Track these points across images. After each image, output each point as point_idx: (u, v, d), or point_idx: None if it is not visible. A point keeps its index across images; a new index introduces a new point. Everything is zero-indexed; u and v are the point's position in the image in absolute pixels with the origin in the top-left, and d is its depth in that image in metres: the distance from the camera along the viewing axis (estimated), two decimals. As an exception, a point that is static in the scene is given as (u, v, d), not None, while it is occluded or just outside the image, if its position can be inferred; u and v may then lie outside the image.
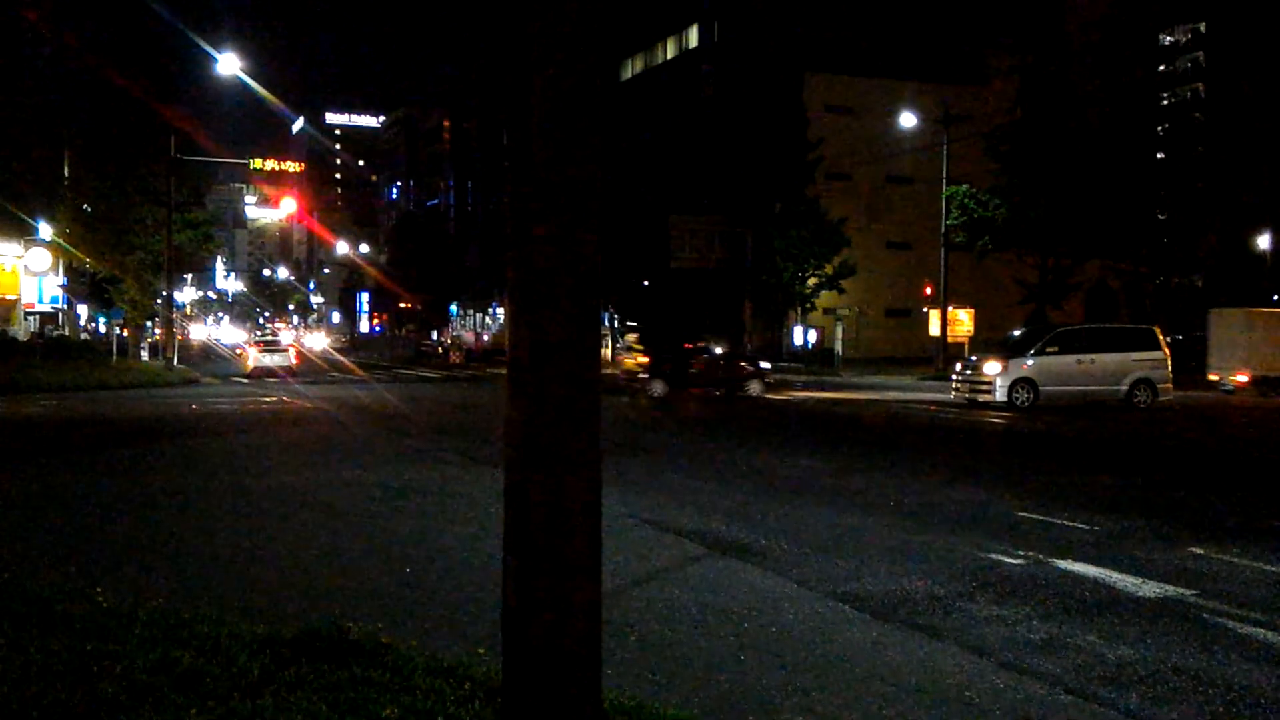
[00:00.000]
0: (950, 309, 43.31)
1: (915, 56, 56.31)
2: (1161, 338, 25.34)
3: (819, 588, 7.20)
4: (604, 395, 3.93)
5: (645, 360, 31.10)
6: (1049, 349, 24.81)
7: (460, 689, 4.52)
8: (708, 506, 10.40)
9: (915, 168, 50.82)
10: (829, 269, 49.46)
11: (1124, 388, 24.32)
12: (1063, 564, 7.93)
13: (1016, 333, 29.13)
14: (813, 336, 52.92)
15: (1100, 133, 40.10)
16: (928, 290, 47.04)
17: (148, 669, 4.65)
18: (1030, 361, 24.46)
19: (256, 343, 49.69)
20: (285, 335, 70.20)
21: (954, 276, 43.42)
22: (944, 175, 42.81)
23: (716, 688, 5.22)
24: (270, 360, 40.97)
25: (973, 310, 44.78)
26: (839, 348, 46.94)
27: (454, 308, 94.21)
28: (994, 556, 8.18)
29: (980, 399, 24.69)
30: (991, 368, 24.71)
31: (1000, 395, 24.17)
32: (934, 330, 44.07)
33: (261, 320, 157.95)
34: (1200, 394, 29.25)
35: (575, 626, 3.51)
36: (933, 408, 25.15)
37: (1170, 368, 24.75)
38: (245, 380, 36.06)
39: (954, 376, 26.76)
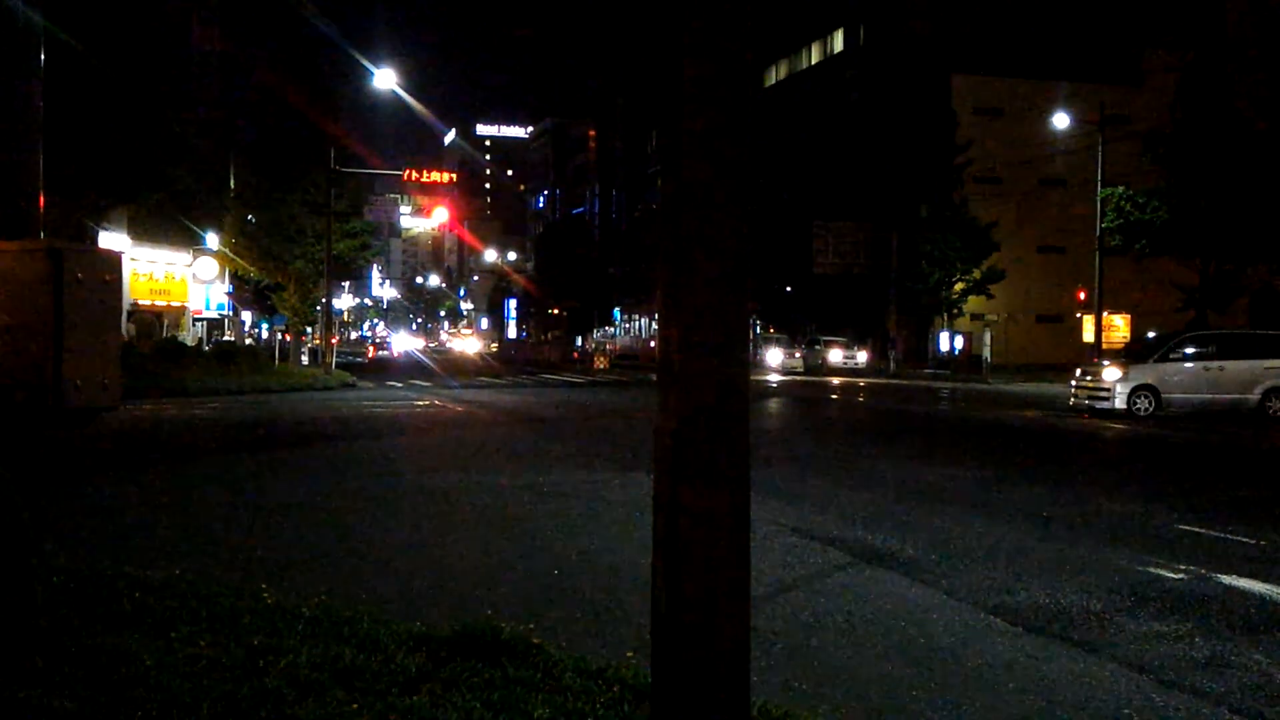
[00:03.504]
0: (1105, 314, 41.98)
1: (1066, 56, 54.76)
2: None
3: (968, 599, 7.07)
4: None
5: None
6: (1173, 355, 23.88)
7: (609, 691, 4.58)
8: (851, 514, 10.30)
9: (1068, 170, 49.38)
10: (977, 273, 48.44)
11: (1255, 396, 23.10)
12: (1226, 579, 7.64)
13: (1153, 337, 28.02)
14: (959, 342, 51.84)
15: (1265, 131, 38.35)
16: (1081, 295, 45.73)
17: (310, 664, 4.83)
18: (1152, 367, 23.58)
19: (375, 344, 72.81)
20: (458, 341, 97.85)
21: (1109, 281, 42.08)
22: (1099, 177, 41.55)
23: (863, 698, 5.18)
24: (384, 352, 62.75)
25: (1129, 316, 43.34)
26: (987, 354, 45.90)
27: (616, 312, 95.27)
28: (1153, 570, 7.91)
29: (1099, 406, 23.80)
30: (1111, 374, 23.88)
31: (1119, 403, 23.33)
32: (1088, 336, 42.79)
33: (414, 326, 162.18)
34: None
35: (724, 633, 3.53)
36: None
37: None
38: (398, 385, 37.06)
39: (1073, 383, 25.77)
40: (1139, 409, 23.21)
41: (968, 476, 13.47)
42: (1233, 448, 18.02)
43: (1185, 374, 23.57)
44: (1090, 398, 24.25)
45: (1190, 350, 24.09)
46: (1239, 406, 23.23)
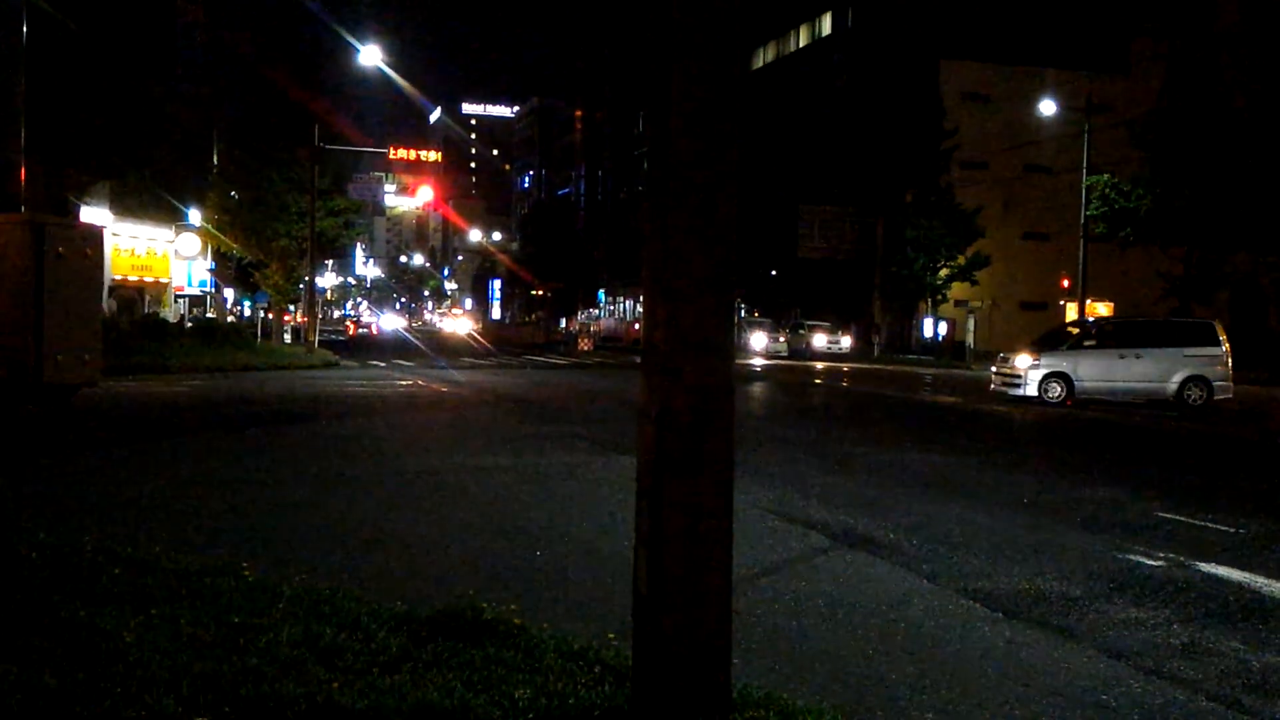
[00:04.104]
0: (1089, 302, 42.15)
1: (1054, 43, 54.77)
2: (1223, 333, 23.85)
3: (949, 584, 7.10)
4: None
5: None
6: (1086, 342, 24.02)
7: (591, 672, 4.59)
8: (833, 498, 10.33)
9: (1054, 157, 49.46)
10: (961, 260, 48.55)
11: (1174, 384, 23.10)
12: (1205, 567, 7.69)
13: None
14: (944, 329, 51.98)
15: (1251, 121, 38.48)
16: (1065, 283, 45.92)
17: (291, 643, 4.83)
18: (1065, 355, 23.66)
19: (352, 320, 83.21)
20: (449, 321, 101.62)
21: (1093, 269, 42.25)
22: (1084, 164, 41.65)
23: (844, 682, 5.20)
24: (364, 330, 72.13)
25: (1112, 304, 43.54)
26: (970, 340, 46.04)
27: (601, 294, 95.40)
28: (1132, 557, 7.96)
29: (1012, 393, 23.87)
30: (1023, 360, 23.94)
31: (1031, 389, 23.37)
32: (1071, 324, 42.94)
33: (398, 305, 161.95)
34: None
35: (705, 616, 3.54)
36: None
37: (1230, 364, 23.31)
38: (381, 365, 36.99)
39: (994, 369, 25.85)
40: (1050, 395, 23.24)
41: (946, 462, 13.52)
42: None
43: (1099, 362, 23.54)
44: (1005, 384, 24.30)
45: (1105, 338, 24.18)
46: (1158, 394, 23.29)
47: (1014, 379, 23.84)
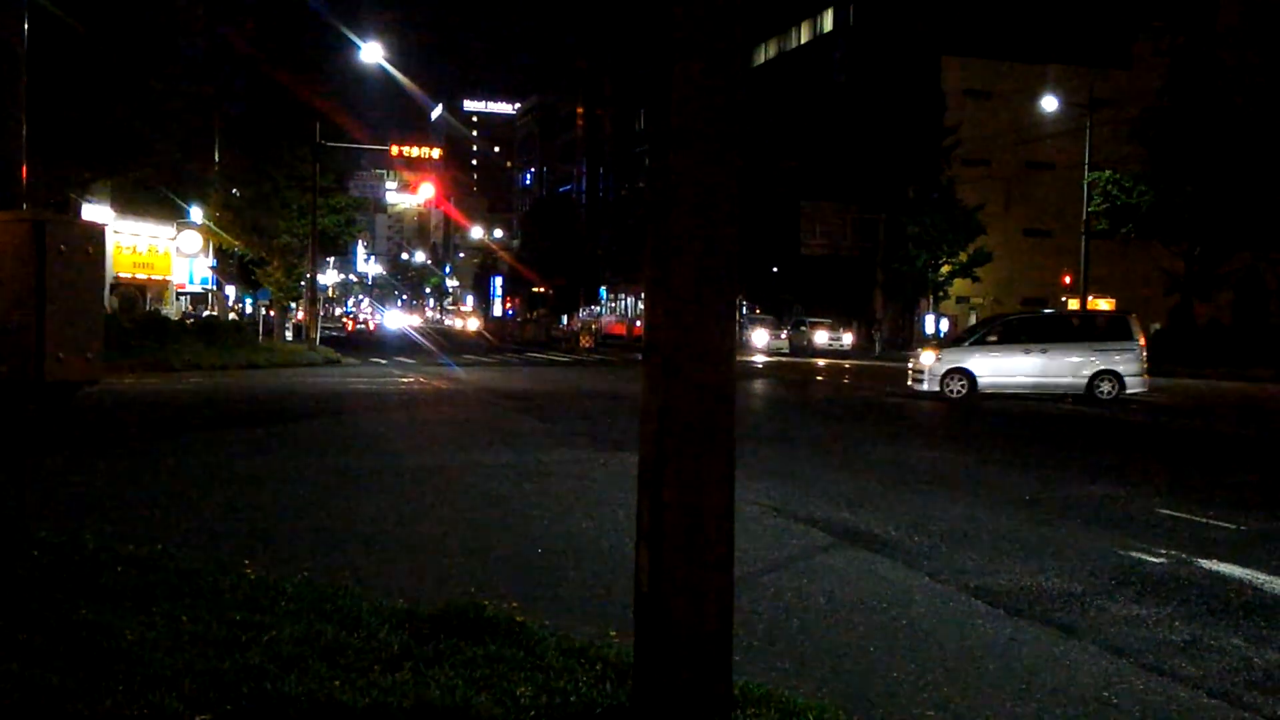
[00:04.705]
0: (1090, 298, 42.14)
1: (1057, 39, 54.81)
2: (1137, 326, 23.79)
3: (951, 581, 7.10)
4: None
5: None
6: (989, 338, 24.06)
7: (592, 669, 4.59)
8: (834, 495, 10.33)
9: (1056, 153, 49.49)
10: (963, 256, 48.58)
11: (1083, 379, 22.98)
12: (1207, 564, 7.69)
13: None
14: (945, 325, 51.99)
15: (1253, 117, 38.46)
16: (1067, 279, 45.96)
17: (293, 640, 4.83)
18: (967, 351, 23.75)
19: (349, 316, 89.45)
20: (457, 319, 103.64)
21: (1095, 265, 42.25)
22: (1086, 160, 41.62)
23: (845, 679, 5.20)
24: (360, 324, 72.29)
25: (1114, 300, 43.53)
26: (973, 337, 46.02)
27: (603, 291, 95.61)
28: (1133, 554, 7.96)
29: (917, 388, 23.94)
30: (926, 357, 24.10)
31: (932, 385, 23.40)
32: (1073, 320, 42.93)
33: (399, 303, 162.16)
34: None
35: (706, 613, 3.54)
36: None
37: (1144, 358, 23.21)
38: (383, 362, 37.01)
39: (909, 364, 25.98)
40: (951, 391, 23.24)
41: (947, 459, 13.52)
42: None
43: (1003, 357, 23.44)
44: (913, 380, 24.42)
45: (1009, 333, 24.13)
46: (1067, 389, 23.21)
47: (919, 374, 24.00)
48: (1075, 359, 23.12)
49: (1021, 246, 55.20)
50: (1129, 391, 22.99)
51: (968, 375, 23.30)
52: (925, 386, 23.56)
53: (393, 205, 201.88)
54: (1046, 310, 27.55)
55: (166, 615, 5.14)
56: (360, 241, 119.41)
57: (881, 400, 24.08)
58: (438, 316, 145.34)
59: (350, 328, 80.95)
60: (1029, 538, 8.51)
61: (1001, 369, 23.31)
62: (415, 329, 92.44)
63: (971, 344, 24.03)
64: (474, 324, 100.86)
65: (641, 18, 3.60)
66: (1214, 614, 6.46)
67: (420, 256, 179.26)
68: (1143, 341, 23.48)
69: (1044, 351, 23.23)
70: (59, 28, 21.62)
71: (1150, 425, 19.33)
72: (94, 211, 34.91)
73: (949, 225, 47.92)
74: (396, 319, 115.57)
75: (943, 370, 23.43)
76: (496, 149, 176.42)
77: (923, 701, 4.91)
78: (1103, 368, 22.96)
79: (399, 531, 8.32)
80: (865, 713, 4.73)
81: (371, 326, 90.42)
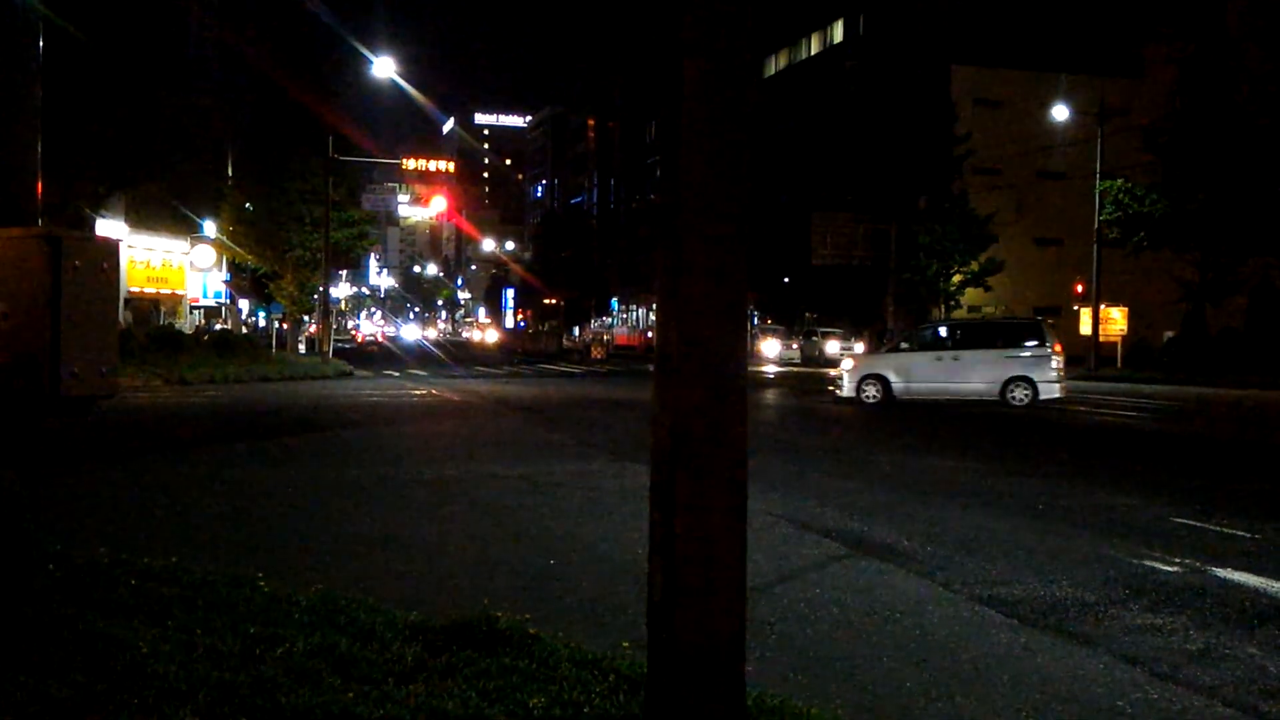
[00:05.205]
0: (1103, 307, 42.01)
1: (1067, 48, 54.73)
2: (1051, 333, 23.85)
3: (964, 591, 7.08)
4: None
5: None
6: (905, 345, 24.59)
7: (605, 681, 4.59)
8: (847, 505, 10.31)
9: (1067, 162, 49.37)
10: (974, 265, 48.46)
11: (996, 386, 23.13)
12: (1221, 572, 7.66)
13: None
14: (958, 335, 51.84)
15: (1265, 126, 38.35)
16: (1079, 288, 45.77)
17: (307, 653, 4.84)
18: (883, 357, 24.32)
19: (355, 329, 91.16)
20: (476, 332, 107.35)
21: (1107, 274, 42.14)
22: (1098, 169, 41.54)
23: (859, 690, 5.20)
24: (370, 337, 76.13)
25: (1126, 309, 43.38)
26: (985, 346, 45.91)
27: (614, 303, 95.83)
28: (1147, 563, 7.94)
29: (838, 393, 24.36)
30: (846, 363, 24.83)
31: (850, 391, 23.81)
32: (1085, 329, 42.84)
33: (411, 315, 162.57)
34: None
35: (719, 624, 3.55)
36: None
37: (1057, 364, 23.19)
38: (395, 374, 37.08)
39: (835, 370, 26.60)
40: (866, 396, 23.58)
41: (959, 467, 13.49)
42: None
43: (918, 364, 23.81)
44: (834, 385, 25.03)
45: (925, 340, 24.56)
46: (980, 395, 23.35)
47: (840, 380, 24.52)
48: (988, 365, 23.35)
49: (1033, 255, 55.08)
50: (1043, 398, 23.01)
51: (883, 381, 23.70)
52: (844, 392, 24.11)
53: (405, 218, 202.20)
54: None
55: (181, 628, 5.16)
56: (373, 254, 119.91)
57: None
58: (455, 329, 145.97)
59: (360, 340, 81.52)
60: (1040, 545, 8.49)
61: (915, 375, 23.73)
62: (431, 341, 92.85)
63: (888, 351, 24.71)
64: (492, 336, 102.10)
65: (651, 23, 3.62)
66: (1227, 622, 6.44)
67: (432, 269, 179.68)
68: (1057, 348, 23.49)
69: (956, 358, 23.54)
70: (73, 44, 21.77)
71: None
72: (108, 226, 35.11)
73: (960, 234, 47.83)
74: (412, 332, 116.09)
75: (859, 376, 23.95)
76: (508, 161, 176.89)
77: (936, 712, 4.91)
78: (1015, 374, 23.14)
79: (412, 543, 8.33)
80: (878, 723, 4.72)
81: (380, 339, 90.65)
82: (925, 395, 23.66)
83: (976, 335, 24.57)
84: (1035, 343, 23.45)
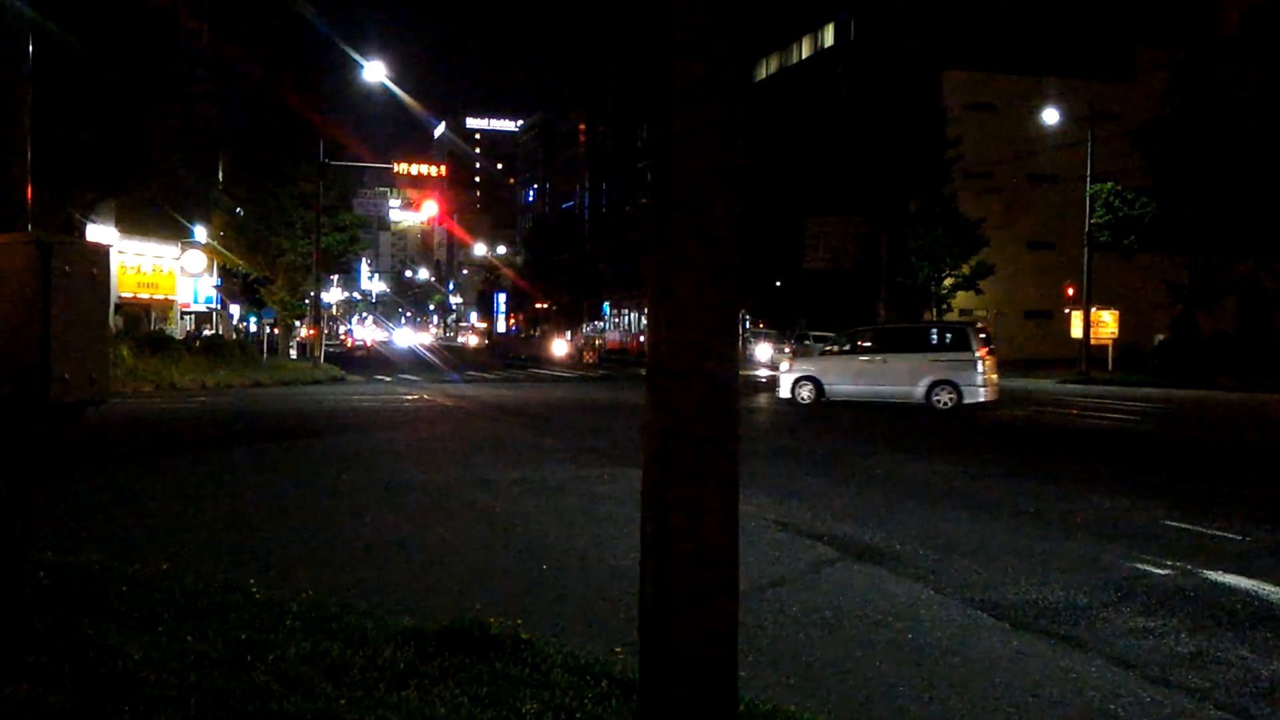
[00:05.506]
0: (1094, 310, 42.09)
1: (1058, 52, 54.84)
2: (977, 338, 24.01)
3: (956, 594, 7.09)
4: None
5: None
6: (835, 348, 25.57)
7: (597, 686, 4.59)
8: (839, 509, 10.32)
9: (1058, 165, 49.45)
10: (966, 269, 48.51)
11: (920, 389, 23.45)
12: (1213, 575, 7.67)
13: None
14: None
15: (1255, 127, 38.46)
16: (1070, 291, 45.87)
17: (298, 659, 4.83)
18: (816, 360, 25.13)
19: (346, 334, 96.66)
20: (473, 336, 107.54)
21: (1098, 277, 42.22)
22: (1088, 173, 41.64)
23: (851, 694, 5.20)
24: (358, 343, 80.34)
25: (1117, 312, 43.47)
26: (976, 350, 45.99)
27: (606, 306, 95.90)
28: (1139, 566, 7.95)
29: (779, 395, 25.24)
30: (783, 365, 25.79)
31: (784, 392, 24.75)
32: (1076, 332, 42.92)
33: (403, 320, 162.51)
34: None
35: (711, 629, 3.54)
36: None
37: (983, 368, 23.29)
38: (387, 379, 37.03)
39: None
40: (800, 397, 24.48)
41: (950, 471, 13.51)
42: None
43: (848, 366, 24.56)
44: (775, 386, 26.10)
45: (855, 344, 25.13)
46: (905, 398, 23.69)
47: (777, 381, 25.64)
48: (913, 369, 23.72)
49: (1024, 259, 55.15)
50: (967, 401, 23.23)
51: (815, 382, 24.53)
52: (782, 393, 24.99)
53: (396, 223, 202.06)
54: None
55: (172, 635, 5.15)
56: (364, 259, 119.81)
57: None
58: (450, 334, 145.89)
59: (349, 344, 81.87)
60: (1033, 549, 8.50)
61: (845, 377, 24.49)
62: (426, 346, 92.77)
63: (821, 353, 25.59)
64: (484, 340, 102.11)
65: (643, 24, 3.62)
66: (1219, 625, 6.45)
67: (424, 273, 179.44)
68: (982, 352, 23.59)
69: (884, 361, 24.04)
70: (63, 49, 21.72)
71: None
72: (98, 232, 35.00)
73: (951, 238, 47.87)
74: (406, 336, 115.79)
75: (793, 378, 24.82)
76: (499, 165, 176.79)
77: (929, 715, 4.91)
78: (940, 378, 23.42)
79: (403, 548, 8.32)
80: (871, 727, 4.72)
81: (369, 344, 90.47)
82: (854, 397, 24.23)
83: (903, 340, 25.06)
84: (960, 348, 23.68)
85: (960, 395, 23.17)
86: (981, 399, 23.29)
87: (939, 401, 23.29)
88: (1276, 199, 37.65)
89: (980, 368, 23.31)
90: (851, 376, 24.34)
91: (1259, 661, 5.76)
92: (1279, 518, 10.20)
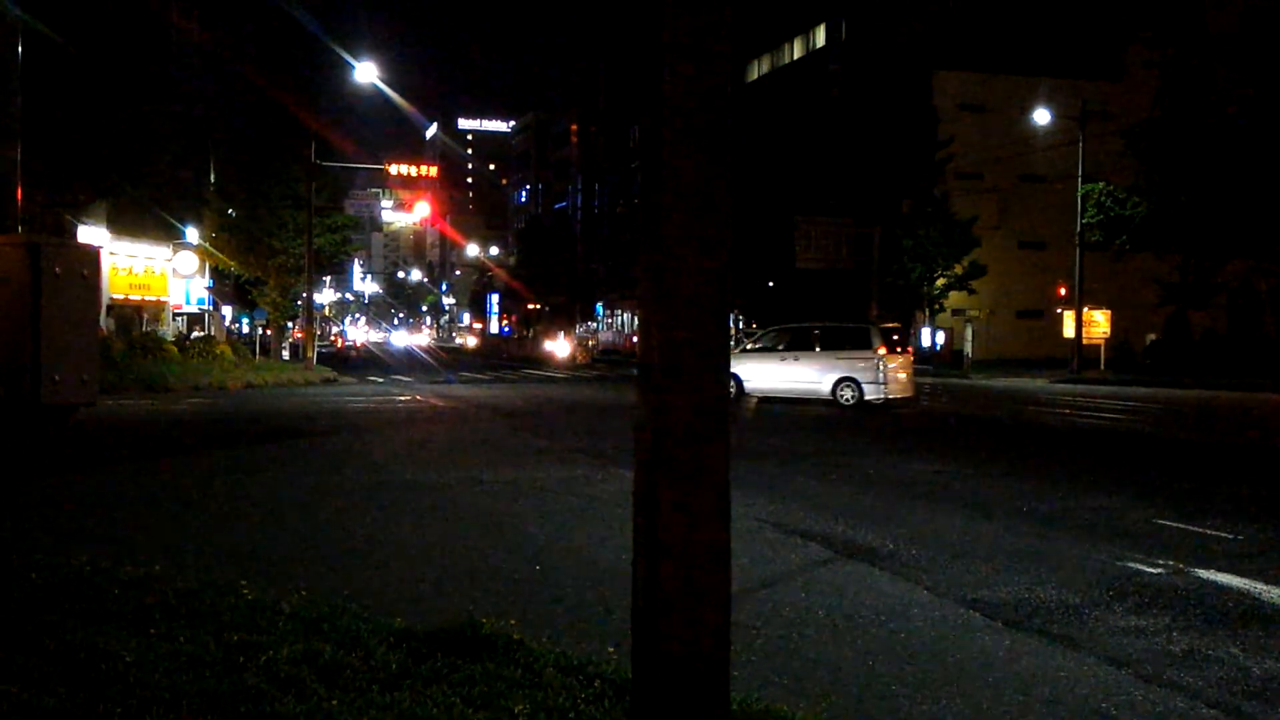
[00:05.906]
0: (1085, 310, 42.17)
1: (1049, 52, 54.95)
2: (880, 337, 24.78)
3: (949, 594, 7.10)
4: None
5: None
6: (753, 346, 26.20)
7: (590, 687, 4.58)
8: (831, 509, 10.32)
9: (1049, 165, 49.54)
10: (958, 269, 48.59)
11: (827, 385, 24.36)
12: (1205, 574, 7.69)
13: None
14: (941, 338, 52.01)
15: (1246, 127, 38.56)
16: (1062, 291, 45.96)
17: (290, 660, 4.82)
18: (737, 358, 25.37)
19: (338, 335, 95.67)
20: (471, 338, 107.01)
21: (1090, 277, 42.29)
22: (1079, 173, 41.71)
23: (844, 694, 5.20)
24: (349, 344, 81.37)
25: (1109, 312, 43.56)
26: (968, 350, 46.09)
27: (599, 307, 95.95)
28: (1131, 565, 7.97)
29: None
30: None
31: None
32: (1068, 332, 43.00)
33: (396, 321, 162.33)
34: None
35: (704, 629, 3.54)
36: None
37: (886, 367, 23.92)
38: (379, 380, 37.00)
39: None
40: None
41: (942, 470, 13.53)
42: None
43: (763, 365, 25.41)
44: None
45: (772, 342, 26.07)
46: (814, 394, 24.60)
47: None
48: (820, 367, 24.74)
49: (1016, 259, 55.26)
50: (868, 397, 23.97)
51: (735, 380, 24.94)
52: None
53: (389, 224, 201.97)
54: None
55: (164, 636, 5.13)
56: (356, 260, 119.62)
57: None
58: (446, 335, 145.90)
59: (340, 345, 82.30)
60: (1026, 548, 8.51)
61: (761, 375, 25.39)
62: (422, 348, 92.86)
63: (742, 351, 25.95)
64: (477, 341, 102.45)
65: (633, 25, 3.62)
66: (1211, 624, 6.47)
67: (416, 275, 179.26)
68: (882, 351, 24.28)
69: (796, 360, 25.02)
70: (54, 51, 21.67)
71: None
72: (90, 233, 34.91)
73: (943, 238, 47.94)
74: (402, 338, 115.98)
75: None
76: (492, 166, 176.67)
77: (922, 715, 4.91)
78: (843, 375, 24.31)
79: (396, 550, 8.31)
80: (864, 727, 4.72)
81: (359, 345, 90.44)
82: (770, 393, 25.19)
83: (812, 339, 25.67)
84: (862, 346, 24.56)
85: (861, 392, 24.04)
86: (883, 395, 24.00)
87: (843, 398, 24.23)
88: (1267, 198, 37.77)
89: (880, 366, 24.06)
90: (767, 374, 25.30)
91: (1251, 660, 5.77)
92: (1271, 517, 10.22)
